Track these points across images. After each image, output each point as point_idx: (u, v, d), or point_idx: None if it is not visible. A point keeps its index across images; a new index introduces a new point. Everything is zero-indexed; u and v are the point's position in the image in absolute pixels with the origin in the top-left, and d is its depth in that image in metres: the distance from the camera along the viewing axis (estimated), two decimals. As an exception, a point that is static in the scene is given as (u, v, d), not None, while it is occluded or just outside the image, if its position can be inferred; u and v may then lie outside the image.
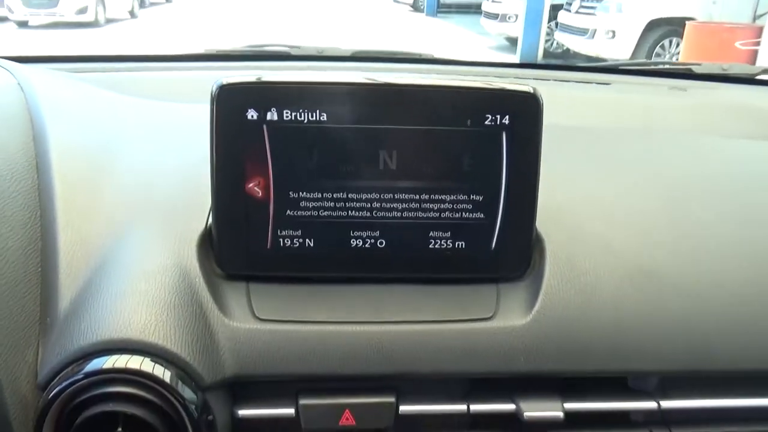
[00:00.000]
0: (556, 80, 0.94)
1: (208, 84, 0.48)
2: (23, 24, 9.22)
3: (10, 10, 8.99)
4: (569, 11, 6.72)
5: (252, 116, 0.48)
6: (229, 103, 0.48)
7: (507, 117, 0.49)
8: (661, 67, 1.02)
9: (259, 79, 0.48)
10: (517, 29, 7.26)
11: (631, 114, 0.81)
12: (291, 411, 0.48)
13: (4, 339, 0.45)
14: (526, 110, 0.49)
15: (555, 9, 6.99)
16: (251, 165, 0.49)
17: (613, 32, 6.11)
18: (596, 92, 0.92)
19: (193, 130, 0.62)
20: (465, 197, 0.51)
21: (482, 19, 8.88)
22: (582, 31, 6.43)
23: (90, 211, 0.53)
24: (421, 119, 0.49)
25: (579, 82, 0.96)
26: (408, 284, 0.52)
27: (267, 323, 0.49)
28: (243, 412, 0.49)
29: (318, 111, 0.48)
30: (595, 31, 6.24)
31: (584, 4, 6.51)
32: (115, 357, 0.44)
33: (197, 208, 0.53)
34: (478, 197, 0.51)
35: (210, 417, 0.46)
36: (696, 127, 0.78)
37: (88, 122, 0.65)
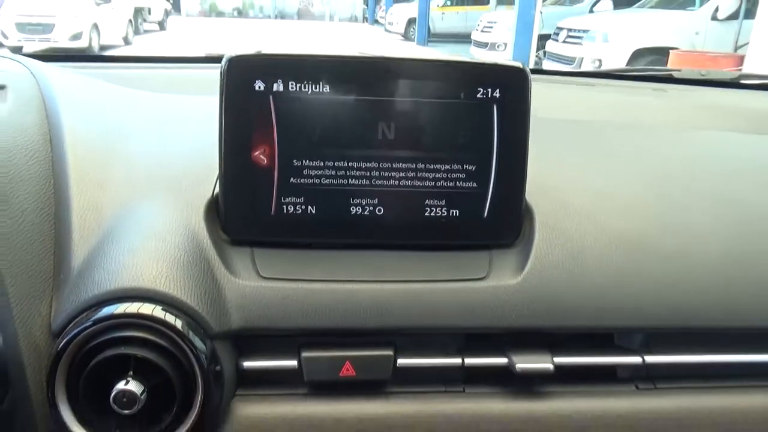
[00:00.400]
0: (544, 82, 0.99)
1: (212, 80, 0.52)
2: (17, 50, 9.19)
3: (4, 35, 9.05)
4: (557, 41, 6.88)
5: (259, 87, 0.51)
6: (238, 75, 0.51)
7: (498, 90, 0.53)
8: (642, 73, 1.06)
9: (266, 52, 0.52)
10: (505, 57, 7.41)
11: (615, 109, 0.85)
12: (294, 363, 0.51)
13: (19, 292, 0.47)
14: (515, 84, 0.53)
15: (543, 39, 7.15)
16: (257, 134, 0.52)
17: (600, 61, 6.25)
18: (581, 91, 0.97)
19: (200, 118, 0.65)
20: (458, 167, 0.54)
21: (472, 48, 9.08)
22: (569, 60, 6.58)
23: (101, 181, 0.56)
24: (418, 92, 0.52)
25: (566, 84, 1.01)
26: (404, 250, 0.55)
27: (271, 281, 0.51)
28: (248, 364, 0.51)
29: (321, 83, 0.51)
30: (582, 59, 6.38)
31: (571, 33, 6.67)
32: (127, 304, 0.46)
33: (204, 179, 0.56)
34: (470, 167, 0.54)
35: (218, 367, 0.48)
36: (676, 121, 0.82)
37: (97, 107, 0.68)
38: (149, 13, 13.34)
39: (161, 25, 14.43)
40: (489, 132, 0.53)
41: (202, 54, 1.04)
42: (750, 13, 5.75)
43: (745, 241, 0.58)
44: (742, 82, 1.02)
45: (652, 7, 7.09)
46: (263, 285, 0.51)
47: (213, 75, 0.54)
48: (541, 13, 7.02)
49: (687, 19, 6.45)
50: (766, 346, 0.56)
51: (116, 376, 0.45)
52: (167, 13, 14.83)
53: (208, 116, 0.54)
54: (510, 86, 0.53)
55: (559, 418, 0.52)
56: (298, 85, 0.51)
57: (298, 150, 0.52)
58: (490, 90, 0.53)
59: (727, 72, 1.06)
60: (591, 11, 8.11)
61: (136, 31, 11.96)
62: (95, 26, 9.58)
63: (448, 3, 13.56)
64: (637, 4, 7.43)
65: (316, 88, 0.51)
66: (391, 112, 0.52)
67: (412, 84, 0.52)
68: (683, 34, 6.24)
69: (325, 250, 0.55)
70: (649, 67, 1.10)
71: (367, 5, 22.33)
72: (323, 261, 0.53)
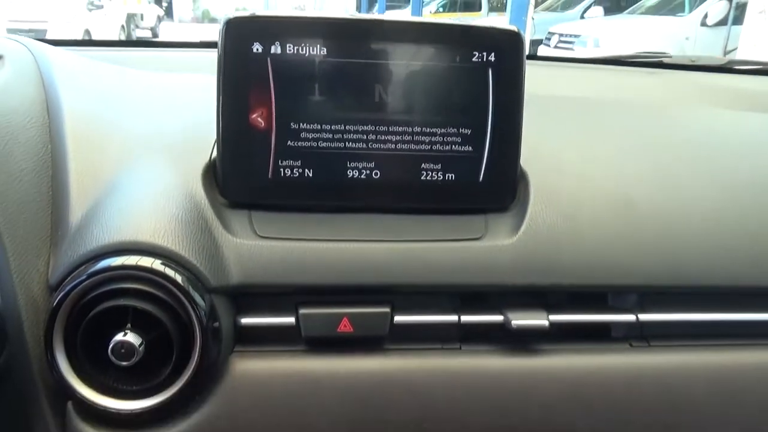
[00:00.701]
0: (539, 67, 1.00)
1: (209, 61, 0.52)
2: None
3: (-5, 40, 9.02)
4: (548, 46, 6.93)
5: (257, 49, 0.52)
6: (235, 37, 0.51)
7: (493, 54, 0.53)
8: (634, 59, 1.08)
9: (264, 14, 0.52)
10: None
11: (610, 87, 0.86)
12: (291, 320, 0.51)
13: (16, 247, 0.47)
14: (510, 48, 0.54)
15: (535, 44, 7.21)
16: (255, 96, 0.52)
17: (591, 66, 6.29)
18: (576, 72, 0.98)
19: (198, 92, 0.65)
20: (454, 131, 0.54)
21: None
22: (561, 65, 6.62)
23: (98, 147, 0.56)
24: (414, 55, 0.53)
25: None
26: (401, 214, 0.55)
27: (268, 240, 0.51)
28: (246, 321, 0.51)
29: (319, 46, 0.52)
30: (574, 64, 6.42)
31: (563, 39, 6.73)
32: (125, 257, 0.46)
33: (202, 145, 0.56)
34: (466, 131, 0.54)
35: (216, 323, 0.48)
36: (669, 97, 0.83)
37: (94, 80, 0.68)
38: (141, 19, 13.32)
39: (153, 32, 14.40)
40: (484, 96, 0.54)
41: (197, 40, 1.04)
42: (738, 20, 5.82)
43: (736, 204, 0.59)
44: (731, 67, 1.04)
45: (642, 13, 7.17)
46: (261, 243, 0.51)
47: (211, 56, 0.55)
48: (533, 18, 7.08)
49: (677, 24, 6.53)
50: (759, 304, 0.57)
51: (114, 329, 0.46)
52: (159, 20, 14.82)
53: (205, 90, 0.55)
54: (505, 50, 0.53)
55: (555, 374, 0.53)
56: (295, 48, 0.52)
57: (296, 113, 0.53)
58: (485, 54, 0.53)
59: (717, 57, 1.07)
60: (582, 17, 8.18)
61: (129, 37, 11.96)
62: (87, 32, 9.55)
63: (441, 10, 13.64)
64: (628, 10, 7.52)
65: (313, 51, 0.52)
66: (388, 75, 0.53)
67: (409, 47, 0.53)
68: (673, 39, 6.31)
69: (322, 213, 0.55)
70: (641, 53, 1.12)
71: (359, 11, 22.44)
72: (320, 223, 0.54)
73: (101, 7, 9.66)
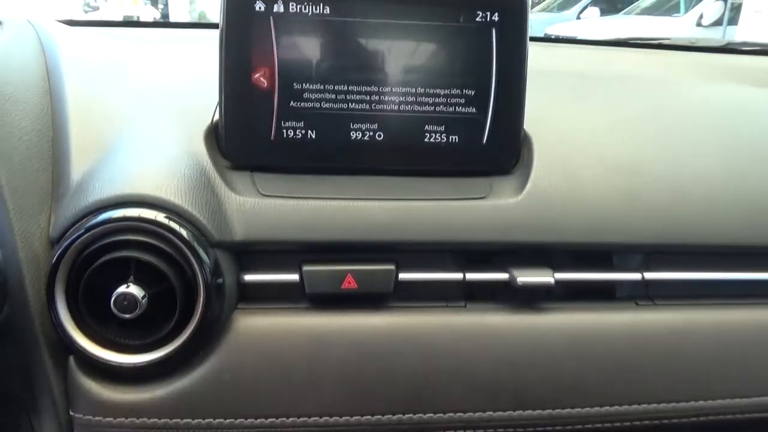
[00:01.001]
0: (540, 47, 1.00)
1: (210, 37, 0.52)
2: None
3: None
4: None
5: (259, 8, 0.51)
6: None
7: (496, 14, 0.53)
8: (635, 41, 1.08)
9: None
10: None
11: (612, 63, 0.86)
12: (295, 277, 0.51)
13: (17, 203, 0.47)
14: (514, 8, 0.53)
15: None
16: (257, 55, 0.52)
17: (587, 66, 6.31)
18: (577, 50, 0.98)
19: (199, 60, 0.65)
20: (458, 92, 0.54)
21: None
22: (557, 65, 6.63)
23: (99, 110, 0.56)
24: (417, 15, 0.53)
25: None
26: (405, 176, 0.55)
27: (271, 198, 0.51)
28: (249, 278, 0.51)
29: (321, 5, 0.52)
30: (570, 64, 6.43)
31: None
32: (127, 209, 0.46)
33: (204, 108, 0.56)
34: (469, 92, 0.54)
35: (220, 280, 0.48)
36: (670, 72, 0.84)
37: (93, 47, 0.68)
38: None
39: (150, 34, 14.40)
40: (488, 56, 0.54)
41: (195, 21, 1.04)
42: (734, 20, 5.84)
43: (736, 169, 0.59)
44: (730, 47, 1.04)
45: (638, 14, 7.19)
46: (264, 201, 0.51)
47: (211, 34, 0.54)
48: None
49: (672, 25, 6.54)
50: (760, 264, 0.57)
51: (117, 282, 0.45)
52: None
53: (208, 58, 0.54)
54: (508, 10, 0.53)
55: (560, 331, 0.53)
56: (298, 6, 0.51)
57: (299, 73, 0.52)
58: (488, 14, 0.53)
59: (715, 39, 1.08)
60: (578, 18, 8.20)
61: (125, 39, 11.92)
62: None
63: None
64: (624, 11, 7.54)
65: (316, 10, 0.52)
66: (391, 35, 0.53)
67: (413, 7, 0.53)
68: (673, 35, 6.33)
69: (325, 175, 0.55)
70: (639, 38, 1.12)
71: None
72: (323, 183, 0.53)
73: (97, 8, 9.66)
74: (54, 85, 0.56)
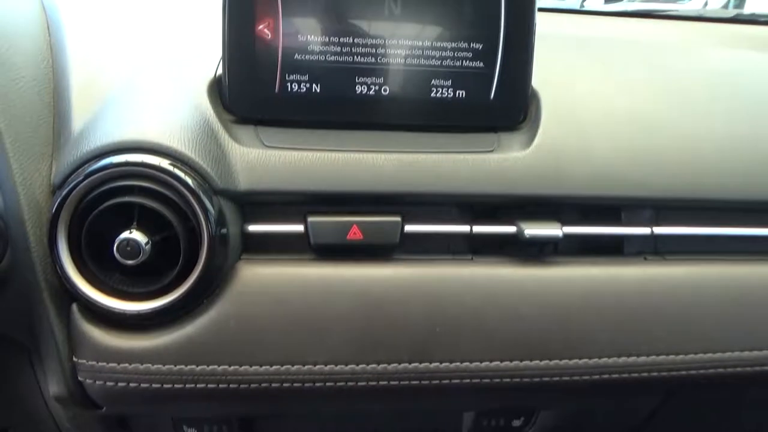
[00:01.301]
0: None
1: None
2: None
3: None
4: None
5: None
6: None
7: None
8: (642, 12, 1.07)
9: None
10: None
11: (618, 30, 0.85)
12: (300, 228, 0.50)
13: (18, 149, 0.46)
14: None
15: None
16: (261, 6, 0.51)
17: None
18: (582, 18, 0.97)
19: (203, 12, 0.64)
20: (465, 45, 0.53)
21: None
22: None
23: (101, 61, 0.55)
24: None
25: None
26: (411, 131, 0.54)
27: (275, 149, 0.50)
28: (253, 228, 0.50)
29: None
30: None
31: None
32: (130, 154, 0.45)
33: (207, 61, 0.55)
34: (477, 46, 0.53)
35: (224, 229, 0.47)
36: (678, 39, 0.82)
37: (96, 3, 0.67)
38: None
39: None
40: (496, 9, 0.53)
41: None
42: (739, 6, 5.79)
43: (748, 123, 0.59)
44: (739, 18, 1.03)
45: (642, 1, 7.12)
46: (268, 152, 0.50)
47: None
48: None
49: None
50: None
51: (120, 229, 0.45)
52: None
53: (209, 10, 0.53)
54: None
55: (568, 284, 0.52)
56: None
57: (304, 25, 0.52)
58: None
59: (725, 10, 1.07)
60: (581, 6, 8.13)
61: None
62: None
63: None
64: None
65: None
66: None
67: None
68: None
69: (330, 129, 0.54)
70: (649, 8, 1.11)
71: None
72: (329, 137, 0.53)
73: None
74: (54, 36, 0.56)
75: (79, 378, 0.49)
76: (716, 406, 0.70)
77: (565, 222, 0.53)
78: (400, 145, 0.52)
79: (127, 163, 0.45)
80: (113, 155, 0.45)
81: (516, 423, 0.62)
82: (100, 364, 0.47)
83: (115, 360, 0.47)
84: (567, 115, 0.55)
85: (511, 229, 0.52)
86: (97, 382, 0.48)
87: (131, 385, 0.48)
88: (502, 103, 0.54)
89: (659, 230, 0.54)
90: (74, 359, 0.48)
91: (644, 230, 0.54)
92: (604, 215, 0.55)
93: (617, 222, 0.55)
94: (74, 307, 0.48)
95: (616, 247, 0.55)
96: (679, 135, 0.56)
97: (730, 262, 0.56)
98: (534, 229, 0.51)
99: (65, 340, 0.48)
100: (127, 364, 0.47)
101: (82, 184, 0.44)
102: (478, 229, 0.52)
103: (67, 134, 0.49)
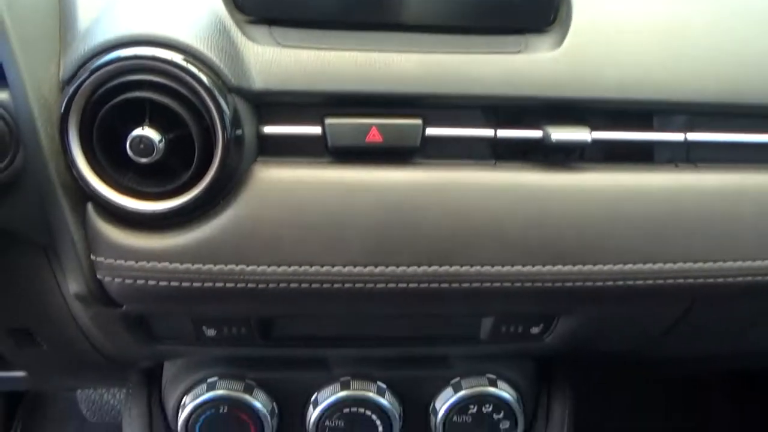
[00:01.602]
0: None
1: None
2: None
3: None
4: None
5: None
6: None
7: None
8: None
9: None
10: None
11: None
12: (317, 130, 0.48)
13: (24, 47, 0.45)
14: None
15: None
16: None
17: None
18: None
19: None
20: None
21: None
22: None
23: None
24: None
25: None
26: (434, 32, 0.51)
27: (290, 48, 0.48)
28: (269, 130, 0.48)
29: None
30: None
31: None
32: (140, 47, 0.43)
33: None
34: None
35: (239, 130, 0.45)
36: None
37: None
38: None
39: None
40: None
41: None
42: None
43: None
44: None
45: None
46: (284, 51, 0.47)
47: None
48: None
49: None
50: None
51: (133, 126, 0.43)
52: None
53: None
54: None
55: (596, 190, 0.50)
56: None
57: None
58: None
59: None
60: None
61: None
62: None
63: None
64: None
65: None
66: None
67: None
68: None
69: (348, 30, 0.50)
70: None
71: None
72: (347, 37, 0.50)
73: None
74: None
75: (98, 276, 0.49)
76: (735, 321, 0.69)
77: (594, 127, 0.50)
78: (423, 46, 0.49)
79: (136, 56, 0.43)
80: (123, 48, 0.43)
81: (534, 330, 0.62)
82: (118, 262, 0.47)
83: (133, 258, 0.47)
84: (598, 17, 0.52)
85: (537, 133, 0.49)
86: (116, 280, 0.48)
87: (150, 282, 0.48)
88: (531, 2, 0.51)
89: (693, 136, 0.51)
90: (92, 257, 0.48)
91: (677, 136, 0.51)
92: (635, 120, 0.52)
93: (649, 128, 0.53)
94: (89, 206, 0.47)
95: (646, 154, 0.53)
96: (715, 39, 0.53)
97: (765, 171, 0.53)
98: (561, 134, 0.49)
99: (82, 239, 0.48)
100: (145, 262, 0.47)
101: (90, 78, 0.43)
102: (503, 133, 0.50)
103: (75, 31, 0.47)
